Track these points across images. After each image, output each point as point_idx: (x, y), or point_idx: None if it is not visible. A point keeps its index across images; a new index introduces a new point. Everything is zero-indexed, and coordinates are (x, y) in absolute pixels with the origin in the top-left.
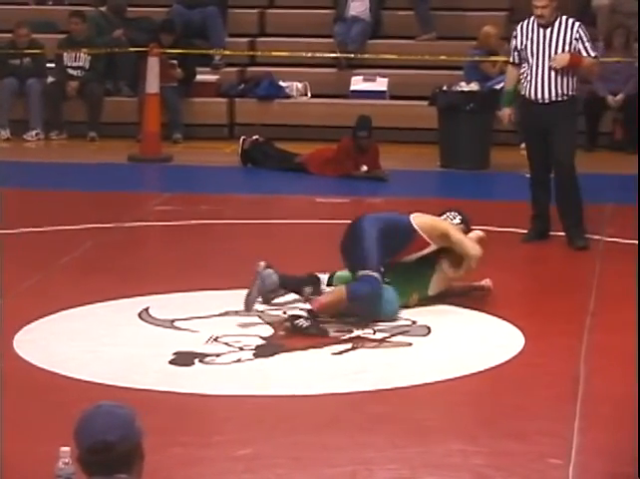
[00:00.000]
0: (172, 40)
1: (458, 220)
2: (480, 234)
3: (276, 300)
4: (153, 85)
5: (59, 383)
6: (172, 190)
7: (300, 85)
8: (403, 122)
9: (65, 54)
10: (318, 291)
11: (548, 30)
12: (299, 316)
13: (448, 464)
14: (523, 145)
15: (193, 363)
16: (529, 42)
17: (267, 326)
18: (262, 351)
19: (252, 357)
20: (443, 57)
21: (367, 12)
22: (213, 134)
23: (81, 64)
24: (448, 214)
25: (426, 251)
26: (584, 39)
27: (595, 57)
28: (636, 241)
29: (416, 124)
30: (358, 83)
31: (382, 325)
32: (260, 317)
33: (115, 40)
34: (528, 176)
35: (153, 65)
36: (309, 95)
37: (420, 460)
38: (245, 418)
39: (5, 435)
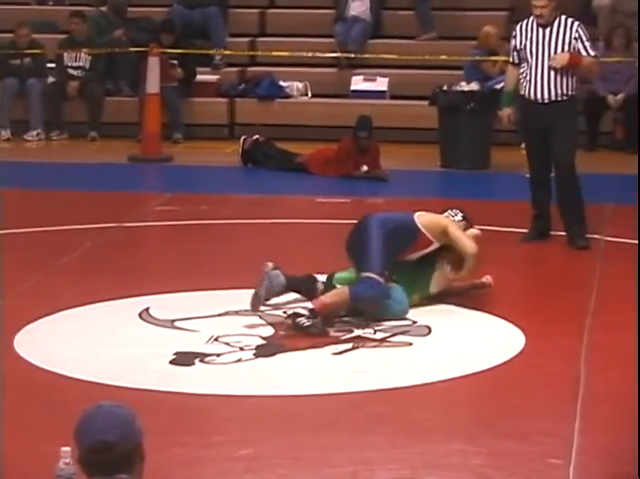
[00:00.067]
0: (173, 40)
1: (459, 217)
2: (476, 231)
3: (276, 300)
4: (153, 85)
5: (59, 383)
6: (173, 190)
7: (300, 85)
8: (403, 122)
9: (65, 54)
10: (315, 292)
11: (548, 30)
12: (301, 315)
13: (448, 464)
14: (524, 145)
15: (194, 363)
16: (529, 42)
17: (268, 326)
18: (263, 351)
19: (253, 357)
20: (443, 57)
21: (367, 12)
22: (214, 134)
23: (81, 64)
24: (449, 211)
25: (428, 250)
26: (583, 38)
27: (595, 56)
28: (636, 241)
29: (416, 124)
30: (358, 83)
31: (382, 325)
32: (261, 317)
33: (115, 40)
34: (528, 176)
35: (153, 65)
36: (309, 95)
37: (420, 460)
38: (246, 418)
39: (5, 435)
